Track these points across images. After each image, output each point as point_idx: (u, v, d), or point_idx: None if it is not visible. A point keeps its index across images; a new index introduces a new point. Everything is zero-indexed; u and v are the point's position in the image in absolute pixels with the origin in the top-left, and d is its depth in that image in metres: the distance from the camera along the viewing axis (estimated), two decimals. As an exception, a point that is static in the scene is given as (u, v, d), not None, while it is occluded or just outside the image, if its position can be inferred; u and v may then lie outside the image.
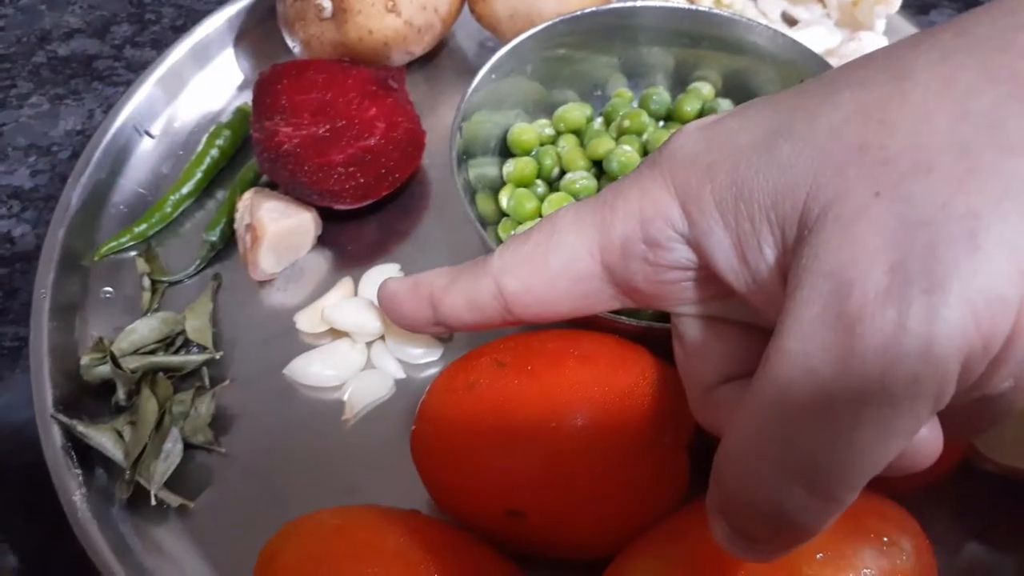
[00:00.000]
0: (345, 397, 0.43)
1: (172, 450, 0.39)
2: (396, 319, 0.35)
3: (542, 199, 0.45)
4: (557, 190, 0.46)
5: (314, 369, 0.43)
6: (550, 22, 0.47)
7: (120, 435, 0.40)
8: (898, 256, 0.21)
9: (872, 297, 0.21)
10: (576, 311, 0.31)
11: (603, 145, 0.46)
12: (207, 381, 0.43)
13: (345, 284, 0.47)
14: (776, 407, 0.22)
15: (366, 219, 0.50)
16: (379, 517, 0.34)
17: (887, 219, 0.21)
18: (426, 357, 0.44)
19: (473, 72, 0.57)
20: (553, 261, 0.29)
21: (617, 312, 0.38)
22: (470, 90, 0.45)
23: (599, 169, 0.47)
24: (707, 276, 0.28)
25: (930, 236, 0.21)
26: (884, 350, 0.21)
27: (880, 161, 0.22)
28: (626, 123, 0.46)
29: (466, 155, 0.45)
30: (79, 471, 0.39)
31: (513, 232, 0.45)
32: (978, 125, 0.21)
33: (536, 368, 0.34)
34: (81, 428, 0.39)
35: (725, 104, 0.48)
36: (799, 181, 0.23)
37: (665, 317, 0.34)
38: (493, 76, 0.46)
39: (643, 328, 0.37)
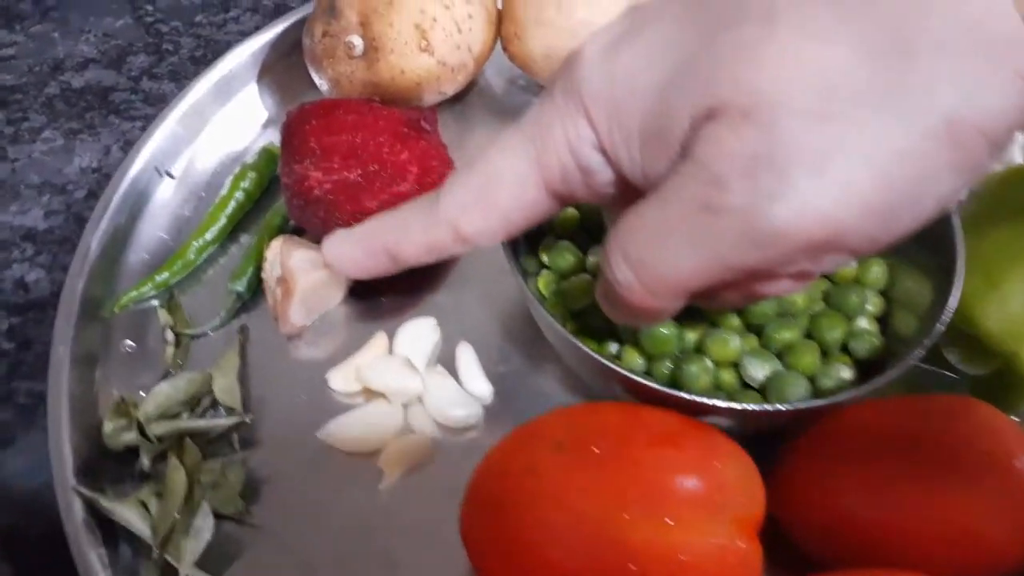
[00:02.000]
0: (381, 463, 0.41)
1: (203, 526, 0.37)
2: (351, 275, 0.40)
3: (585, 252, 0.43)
4: (600, 242, 0.44)
5: (351, 433, 0.41)
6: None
7: (146, 507, 0.38)
8: (755, 165, 0.25)
9: (728, 186, 0.26)
10: (528, 224, 0.34)
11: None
12: (237, 445, 0.41)
13: (379, 340, 0.44)
14: (635, 232, 0.29)
15: (398, 267, 0.48)
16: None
17: (752, 140, 0.25)
18: (466, 421, 0.42)
19: (504, 111, 0.56)
20: (502, 200, 0.32)
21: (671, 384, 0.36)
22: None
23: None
24: (629, 183, 0.31)
25: (783, 158, 0.25)
26: (724, 223, 0.26)
27: (751, 91, 0.25)
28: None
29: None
30: (103, 551, 0.36)
31: (555, 286, 0.42)
32: (835, 75, 0.24)
33: (602, 451, 0.32)
34: (105, 503, 0.37)
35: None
36: (685, 114, 0.27)
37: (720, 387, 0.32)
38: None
39: (700, 405, 0.35)
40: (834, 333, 0.40)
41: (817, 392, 0.38)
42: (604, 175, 0.31)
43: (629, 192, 0.31)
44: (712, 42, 0.26)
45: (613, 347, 0.40)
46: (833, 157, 0.24)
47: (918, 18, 0.24)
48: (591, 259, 0.42)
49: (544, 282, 0.43)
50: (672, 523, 0.31)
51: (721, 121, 0.26)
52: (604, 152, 0.30)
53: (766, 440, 0.36)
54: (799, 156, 0.25)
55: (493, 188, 0.32)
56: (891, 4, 0.24)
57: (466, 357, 0.44)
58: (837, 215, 0.25)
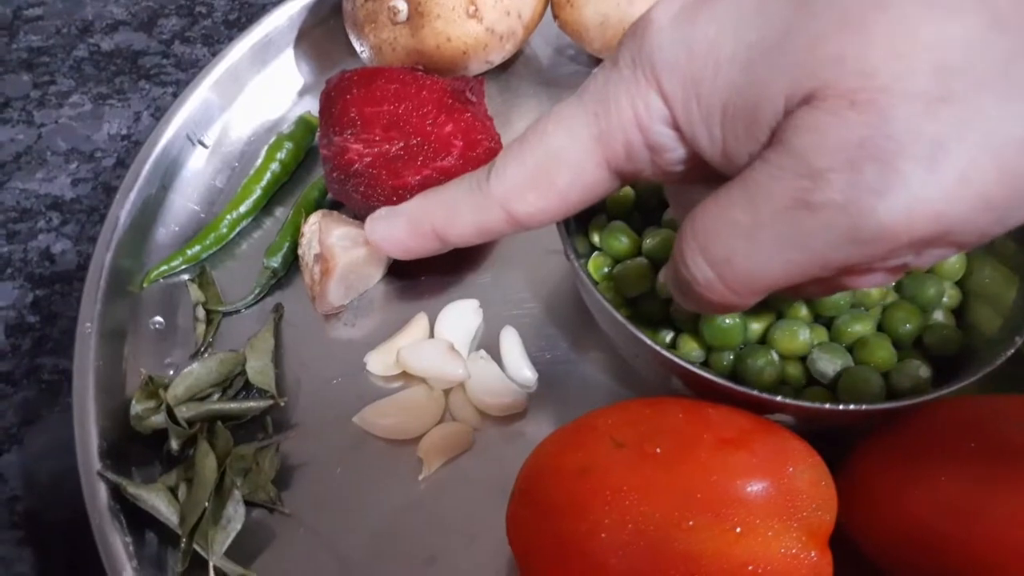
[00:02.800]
0: (420, 452, 0.39)
1: (234, 515, 0.35)
2: (396, 256, 0.36)
3: (638, 233, 0.41)
4: (655, 223, 0.41)
5: (389, 420, 0.39)
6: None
7: (174, 494, 0.36)
8: (861, 157, 0.22)
9: (828, 180, 0.23)
10: (586, 204, 0.31)
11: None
12: (270, 430, 0.39)
13: (420, 322, 0.42)
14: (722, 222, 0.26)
15: (438, 245, 0.45)
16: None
17: (858, 129, 0.22)
18: (510, 409, 0.40)
19: (551, 82, 0.53)
20: (560, 180, 0.30)
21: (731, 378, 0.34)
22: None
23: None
24: (702, 161, 0.29)
25: (893, 149, 0.22)
26: (821, 221, 0.24)
27: (858, 72, 0.22)
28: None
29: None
30: (129, 539, 0.35)
31: (607, 269, 0.40)
32: (956, 51, 0.21)
33: (665, 451, 0.30)
34: (132, 490, 0.35)
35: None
36: (778, 95, 0.24)
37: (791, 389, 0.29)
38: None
39: (768, 402, 0.32)
40: (908, 326, 0.37)
41: (891, 390, 0.35)
42: (676, 153, 0.28)
43: (701, 170, 0.29)
44: (810, 11, 0.23)
45: (668, 335, 0.38)
46: (950, 147, 0.22)
47: None
48: (648, 242, 0.39)
49: (595, 265, 0.40)
50: (740, 531, 0.28)
51: (822, 106, 0.23)
52: (678, 128, 0.27)
53: (833, 438, 0.34)
54: (911, 146, 0.22)
55: (551, 167, 0.30)
56: None
57: (510, 342, 0.42)
58: (951, 210, 0.22)
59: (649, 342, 0.34)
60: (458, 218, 0.32)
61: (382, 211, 0.36)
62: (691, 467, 0.29)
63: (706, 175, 0.28)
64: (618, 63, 0.28)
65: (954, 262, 0.39)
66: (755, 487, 0.29)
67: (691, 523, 0.28)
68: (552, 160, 0.29)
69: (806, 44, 0.23)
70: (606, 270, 0.40)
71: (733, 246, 0.26)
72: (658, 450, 0.30)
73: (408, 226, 0.34)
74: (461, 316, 0.42)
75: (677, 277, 0.29)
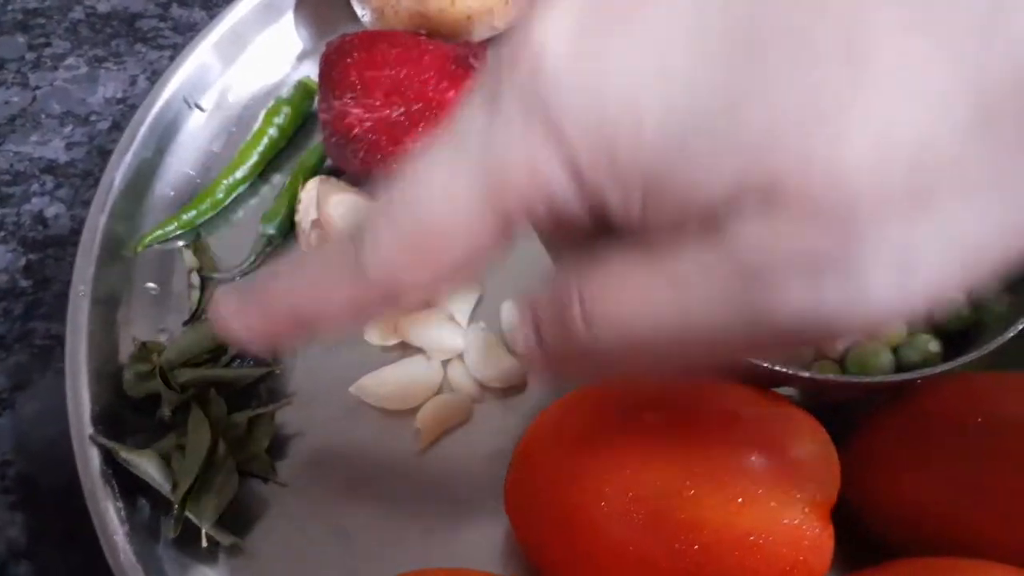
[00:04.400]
0: (418, 423, 0.38)
1: (227, 483, 0.35)
2: (243, 344, 0.27)
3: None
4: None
5: (387, 389, 0.38)
6: None
7: (167, 460, 0.35)
8: (820, 266, 0.18)
9: (777, 287, 0.19)
10: (480, 267, 0.24)
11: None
12: (265, 398, 0.38)
13: (419, 291, 0.41)
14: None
15: (439, 213, 0.44)
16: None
17: (821, 241, 0.18)
18: (511, 380, 0.39)
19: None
20: (448, 251, 0.23)
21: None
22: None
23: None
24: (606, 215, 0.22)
25: (858, 266, 0.18)
26: (761, 325, 0.20)
27: (826, 178, 0.17)
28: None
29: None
30: (121, 504, 0.34)
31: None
32: (939, 151, 0.17)
33: (667, 422, 0.29)
34: (124, 454, 0.34)
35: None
36: (722, 182, 0.19)
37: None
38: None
39: (776, 374, 0.32)
40: (918, 302, 0.36)
41: (900, 364, 0.35)
42: (581, 210, 0.22)
43: (605, 224, 0.23)
44: (765, 72, 0.18)
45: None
46: (920, 258, 0.18)
47: None
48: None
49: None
50: (742, 501, 0.28)
51: (778, 210, 0.18)
52: (584, 185, 0.21)
53: (838, 413, 0.33)
54: (879, 259, 0.18)
55: (435, 238, 0.23)
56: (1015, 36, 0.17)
57: (510, 314, 0.41)
58: (915, 309, 0.19)
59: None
60: (329, 304, 0.25)
61: (231, 292, 0.28)
62: (693, 438, 0.28)
63: (608, 228, 0.23)
64: (500, 104, 0.20)
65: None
66: (758, 459, 0.28)
67: (692, 492, 0.27)
68: (435, 228, 0.22)
69: (761, 126, 0.18)
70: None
71: (640, 327, 0.21)
72: (660, 420, 0.29)
73: (259, 308, 0.26)
74: (460, 288, 0.42)
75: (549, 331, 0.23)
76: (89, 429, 0.35)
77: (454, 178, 0.21)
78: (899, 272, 0.18)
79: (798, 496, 0.28)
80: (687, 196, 0.19)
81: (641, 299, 0.21)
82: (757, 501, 0.28)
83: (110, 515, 0.34)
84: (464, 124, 0.21)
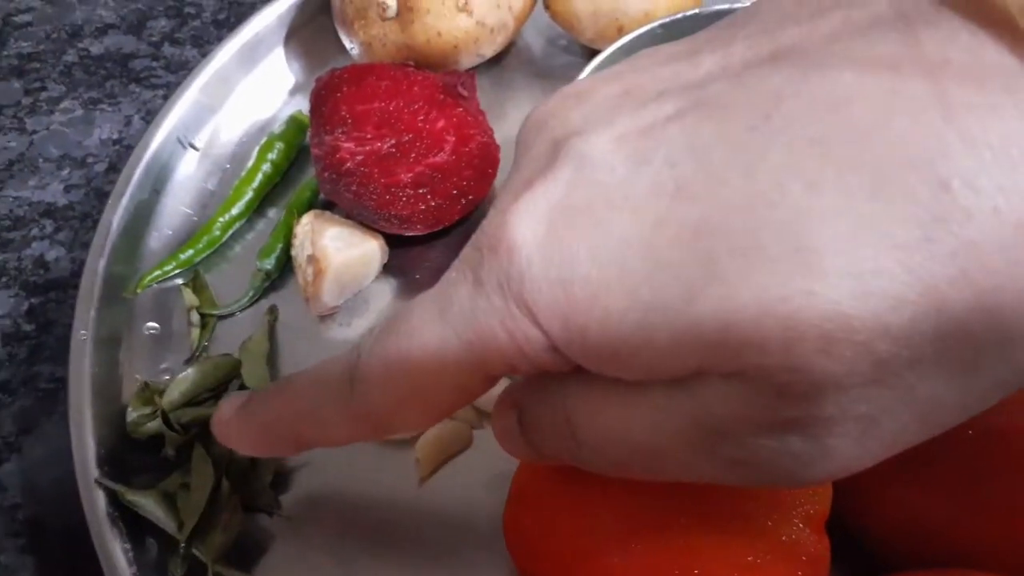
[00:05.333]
0: (418, 453, 0.39)
1: (231, 520, 0.35)
2: (244, 452, 0.32)
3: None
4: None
5: (385, 421, 0.39)
6: (648, 27, 0.41)
7: (172, 500, 0.36)
8: (784, 431, 0.20)
9: (744, 444, 0.21)
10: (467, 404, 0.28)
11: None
12: (266, 434, 0.39)
13: (415, 320, 0.42)
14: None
15: (432, 244, 0.45)
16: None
17: (786, 412, 0.20)
18: (509, 406, 0.40)
19: (544, 74, 0.53)
20: (439, 402, 0.26)
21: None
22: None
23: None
24: None
25: (820, 431, 0.20)
26: (729, 471, 0.22)
27: (785, 367, 0.19)
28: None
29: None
30: (128, 545, 0.34)
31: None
32: (892, 334, 0.18)
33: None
34: (130, 496, 0.35)
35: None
36: (686, 363, 0.20)
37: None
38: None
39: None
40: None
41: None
42: (557, 366, 0.24)
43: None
44: (722, 280, 0.19)
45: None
46: (881, 422, 0.19)
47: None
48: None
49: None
50: (737, 523, 0.28)
51: (742, 385, 0.19)
52: (560, 354, 0.23)
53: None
54: (841, 425, 0.19)
55: (427, 391, 0.25)
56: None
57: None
58: (876, 461, 0.21)
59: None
60: (323, 429, 0.28)
61: (232, 404, 0.31)
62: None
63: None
64: (483, 285, 0.23)
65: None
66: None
67: (687, 519, 0.28)
68: (426, 382, 0.25)
69: (719, 319, 0.19)
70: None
71: (617, 450, 0.23)
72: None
73: (262, 429, 0.30)
74: (457, 314, 0.42)
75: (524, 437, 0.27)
76: (95, 472, 0.36)
77: (444, 342, 0.24)
78: (860, 434, 0.19)
79: (793, 512, 0.29)
80: (653, 369, 0.21)
81: (620, 427, 0.23)
82: (753, 521, 0.28)
83: (117, 556, 0.34)
84: (451, 289, 0.23)
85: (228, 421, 0.30)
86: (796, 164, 0.18)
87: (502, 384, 0.40)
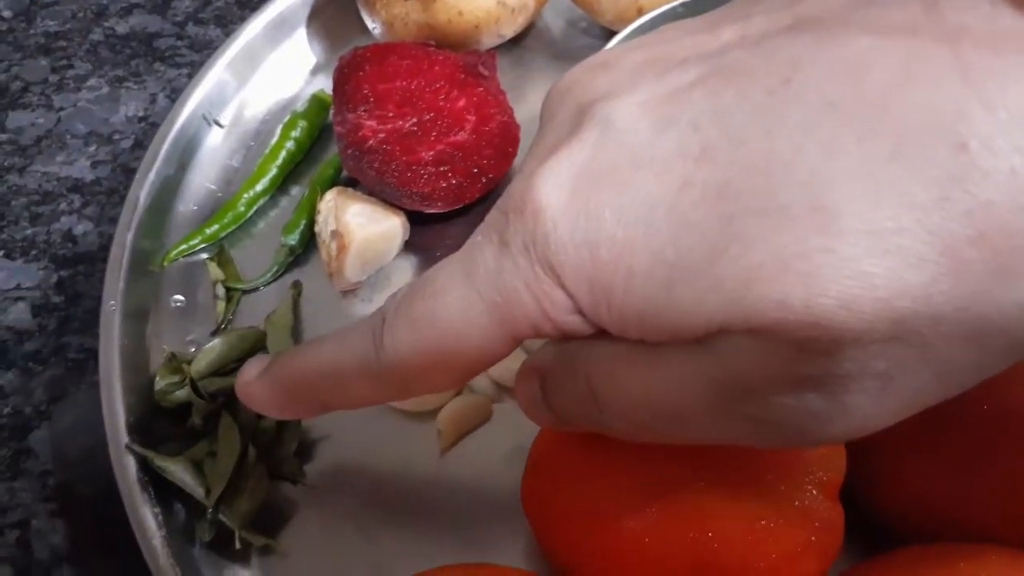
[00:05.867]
0: (439, 425, 0.39)
1: (257, 487, 0.36)
2: (266, 414, 0.32)
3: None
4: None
5: (407, 393, 0.39)
6: (668, 6, 0.42)
7: (199, 467, 0.36)
8: (802, 387, 0.20)
9: (765, 402, 0.21)
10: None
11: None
12: (290, 404, 0.40)
13: (436, 296, 0.43)
14: None
15: (453, 221, 0.46)
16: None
17: (804, 368, 0.20)
18: (528, 380, 0.40)
19: (564, 55, 0.53)
20: (465, 362, 0.25)
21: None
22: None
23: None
24: None
25: (839, 387, 0.20)
26: (748, 429, 0.23)
27: (805, 321, 0.19)
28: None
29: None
30: (158, 509, 0.35)
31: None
32: (909, 299, 0.19)
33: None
34: (159, 462, 0.36)
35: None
36: (709, 321, 0.20)
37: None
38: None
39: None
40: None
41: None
42: (582, 330, 0.24)
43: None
44: (743, 239, 0.19)
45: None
46: (898, 380, 0.20)
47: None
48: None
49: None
50: (752, 487, 0.29)
51: (762, 342, 0.20)
52: (586, 316, 0.23)
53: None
54: (859, 383, 0.20)
55: (452, 353, 0.25)
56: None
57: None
58: (896, 419, 0.21)
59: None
60: (347, 392, 0.28)
61: (255, 366, 0.31)
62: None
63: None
64: (509, 246, 0.23)
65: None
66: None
67: (702, 482, 0.28)
68: (452, 345, 0.25)
69: (740, 277, 0.19)
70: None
71: (640, 414, 0.24)
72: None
73: (286, 391, 0.30)
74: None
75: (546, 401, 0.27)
76: (125, 438, 0.37)
77: (469, 304, 0.24)
78: (878, 392, 0.20)
79: (807, 478, 0.29)
80: (677, 328, 0.21)
81: (642, 390, 0.23)
82: (767, 485, 0.29)
83: (148, 520, 0.35)
84: (477, 252, 0.24)
85: (251, 382, 0.30)
86: (814, 127, 0.19)
87: (522, 357, 0.41)
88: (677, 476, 0.29)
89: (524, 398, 0.28)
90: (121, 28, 0.57)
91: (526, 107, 0.48)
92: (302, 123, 0.47)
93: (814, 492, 0.29)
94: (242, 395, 0.31)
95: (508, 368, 0.40)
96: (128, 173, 0.50)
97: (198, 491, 0.36)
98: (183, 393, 0.38)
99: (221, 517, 0.35)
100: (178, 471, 0.36)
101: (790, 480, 0.29)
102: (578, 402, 0.25)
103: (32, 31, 0.57)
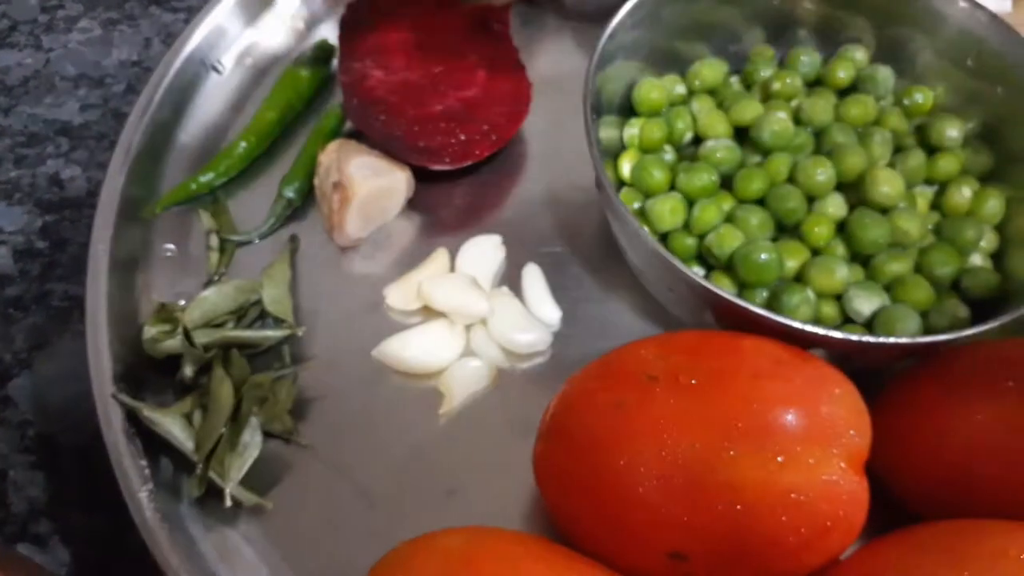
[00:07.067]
0: (441, 386, 0.38)
1: (250, 443, 0.34)
2: None
3: (671, 168, 0.39)
4: (687, 158, 0.40)
5: (409, 353, 0.38)
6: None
7: (189, 420, 0.35)
8: None
9: None
10: None
11: (750, 110, 0.39)
12: (288, 360, 0.38)
13: (440, 256, 0.41)
14: None
15: (458, 181, 0.44)
16: (514, 548, 0.29)
17: None
18: (534, 347, 0.39)
19: (576, 15, 0.51)
20: None
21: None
22: (605, 36, 0.38)
23: (738, 136, 0.40)
24: None
25: None
26: None
27: None
28: (776, 85, 0.40)
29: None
30: (144, 462, 0.34)
31: (638, 204, 0.39)
32: None
33: (701, 383, 0.29)
34: (147, 413, 0.34)
35: (883, 72, 0.41)
36: None
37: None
38: (629, 22, 0.39)
39: (806, 334, 0.31)
40: (946, 269, 0.36)
41: (928, 329, 0.35)
42: None
43: None
44: None
45: (699, 273, 0.37)
46: None
47: None
48: (682, 176, 0.38)
49: (625, 199, 0.39)
50: (782, 460, 0.27)
51: None
52: None
53: (863, 379, 0.33)
54: None
55: None
56: None
57: (533, 279, 0.41)
58: None
59: (688, 271, 0.33)
60: None
61: None
62: (728, 398, 0.28)
63: None
64: None
65: (994, 204, 0.38)
66: (794, 415, 0.28)
67: (732, 453, 0.27)
68: None
69: None
70: (636, 205, 0.39)
71: None
72: (693, 382, 0.29)
73: None
74: (483, 252, 0.41)
75: None
76: (111, 388, 0.35)
77: None
78: None
79: (834, 451, 0.28)
80: None
81: None
82: (796, 459, 0.28)
83: (134, 473, 0.33)
84: None
85: None
86: None
87: (527, 332, 0.39)
88: (705, 447, 0.28)
89: None
90: (115, -31, 0.55)
91: (537, 67, 0.47)
92: (305, 71, 0.45)
93: (842, 465, 0.28)
94: None
95: (515, 338, 0.39)
96: (119, 118, 0.48)
97: (187, 446, 0.34)
98: (173, 343, 0.36)
99: (211, 474, 0.34)
100: (167, 423, 0.34)
101: (819, 452, 0.28)
102: None
103: (21, -31, 0.54)
